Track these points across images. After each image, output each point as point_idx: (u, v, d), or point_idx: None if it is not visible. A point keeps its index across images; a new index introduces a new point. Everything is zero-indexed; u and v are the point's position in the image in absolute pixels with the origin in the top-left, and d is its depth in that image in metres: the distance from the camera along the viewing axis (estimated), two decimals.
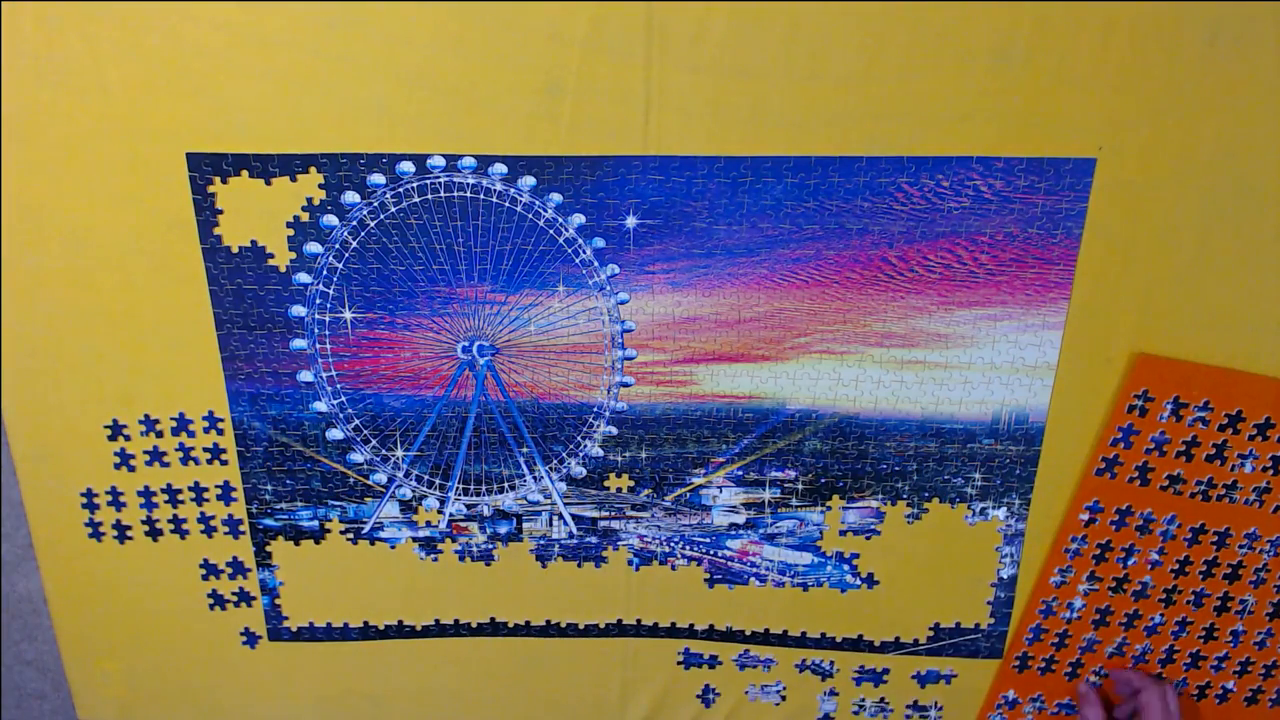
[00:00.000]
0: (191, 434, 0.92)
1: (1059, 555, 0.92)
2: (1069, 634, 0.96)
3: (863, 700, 1.03)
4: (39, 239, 0.83)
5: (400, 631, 1.02)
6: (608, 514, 0.96)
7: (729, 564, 0.97)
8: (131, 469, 0.93)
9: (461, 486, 0.95)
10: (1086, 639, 0.96)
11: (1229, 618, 0.93)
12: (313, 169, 0.81)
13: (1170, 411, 0.85)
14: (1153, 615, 0.94)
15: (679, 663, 1.03)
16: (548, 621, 1.02)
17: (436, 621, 1.02)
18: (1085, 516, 0.90)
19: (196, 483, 0.95)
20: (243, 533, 0.97)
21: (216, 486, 0.95)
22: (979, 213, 0.80)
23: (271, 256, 0.85)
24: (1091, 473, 0.88)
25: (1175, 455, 0.87)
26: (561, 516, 0.96)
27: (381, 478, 0.94)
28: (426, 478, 0.95)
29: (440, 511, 0.96)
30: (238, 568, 0.99)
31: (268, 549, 0.98)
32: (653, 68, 0.76)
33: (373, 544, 0.97)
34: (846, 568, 0.96)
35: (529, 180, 0.82)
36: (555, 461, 0.94)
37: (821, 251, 0.83)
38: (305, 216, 0.83)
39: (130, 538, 0.97)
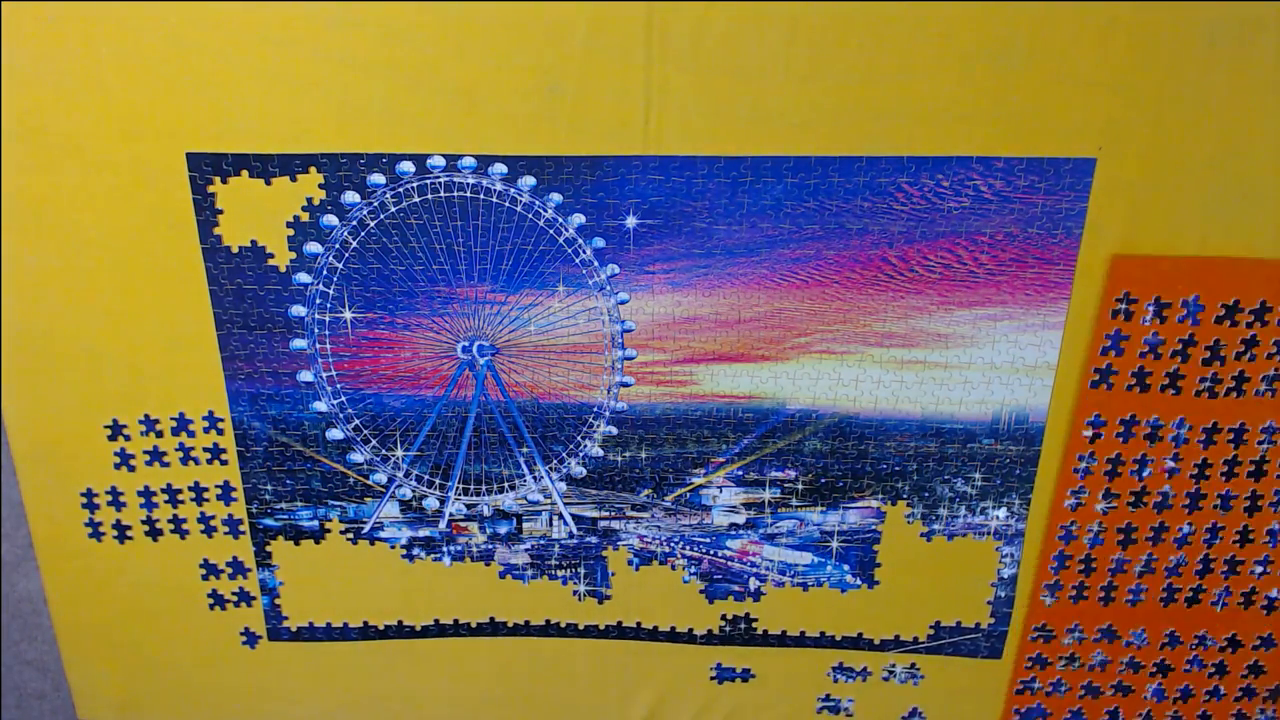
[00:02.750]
0: (191, 434, 0.92)
1: (1069, 477, 0.87)
2: (1093, 559, 0.91)
3: (862, 699, 1.03)
4: (39, 239, 0.83)
5: (400, 631, 1.02)
6: (608, 514, 0.96)
7: (729, 564, 0.97)
8: (131, 469, 0.93)
9: (461, 486, 0.95)
10: (1115, 559, 0.90)
11: (1262, 516, 0.86)
12: (313, 169, 0.81)
13: (1154, 313, 0.81)
14: (1180, 526, 0.88)
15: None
16: (547, 621, 1.02)
17: (436, 622, 1.02)
18: (1089, 433, 0.85)
19: (196, 483, 0.95)
20: (243, 533, 0.97)
21: (216, 486, 0.95)
22: (979, 213, 0.80)
23: (271, 256, 0.85)
24: (1086, 385, 0.84)
25: (1171, 355, 0.82)
26: (561, 516, 0.96)
27: (381, 478, 0.94)
28: (426, 478, 0.95)
29: (440, 511, 0.96)
30: (238, 568, 0.99)
31: (268, 549, 0.98)
32: (653, 68, 0.76)
33: (373, 544, 0.97)
34: (846, 568, 0.96)
35: (529, 180, 0.82)
36: (555, 461, 0.94)
37: (821, 251, 0.83)
38: (305, 216, 0.83)
39: (130, 538, 0.97)
